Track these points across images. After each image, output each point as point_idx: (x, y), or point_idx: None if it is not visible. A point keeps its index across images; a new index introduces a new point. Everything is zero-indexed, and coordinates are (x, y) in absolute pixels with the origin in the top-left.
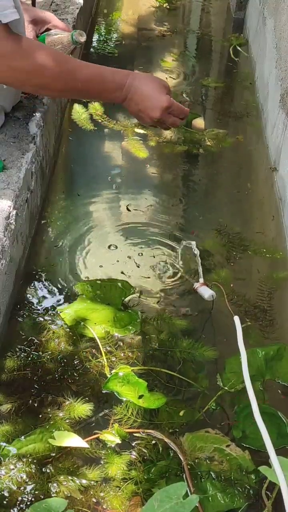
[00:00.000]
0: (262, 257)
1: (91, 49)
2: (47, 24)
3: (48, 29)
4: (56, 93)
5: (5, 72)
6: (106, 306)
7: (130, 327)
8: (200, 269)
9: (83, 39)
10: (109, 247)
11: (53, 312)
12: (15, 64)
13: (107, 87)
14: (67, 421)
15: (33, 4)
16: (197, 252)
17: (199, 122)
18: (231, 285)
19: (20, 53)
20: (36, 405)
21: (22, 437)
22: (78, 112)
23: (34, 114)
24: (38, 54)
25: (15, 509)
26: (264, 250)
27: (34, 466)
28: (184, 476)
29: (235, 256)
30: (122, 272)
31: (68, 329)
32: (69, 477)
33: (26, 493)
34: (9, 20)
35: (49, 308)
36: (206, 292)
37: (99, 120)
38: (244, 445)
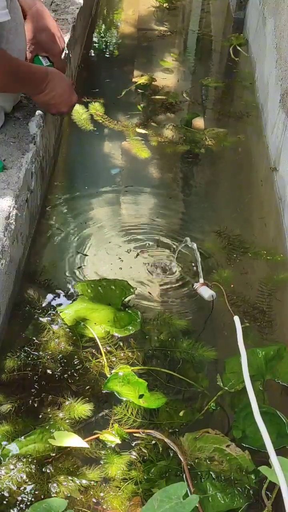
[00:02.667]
0: (263, 259)
1: (91, 49)
2: (44, 51)
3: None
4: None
5: None
6: (106, 306)
7: (130, 327)
8: (200, 269)
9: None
10: (109, 247)
11: (53, 312)
12: None
13: (35, 85)
14: (67, 421)
15: None
16: (197, 252)
17: (198, 122)
18: (231, 285)
19: None
20: (36, 405)
21: (22, 437)
22: (79, 112)
23: (34, 114)
24: None
25: (15, 509)
26: (265, 252)
27: (34, 466)
28: (184, 476)
29: (235, 258)
30: (122, 272)
31: (68, 329)
32: (69, 477)
33: (26, 493)
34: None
35: (49, 308)
36: (206, 292)
37: (100, 121)
38: (244, 445)
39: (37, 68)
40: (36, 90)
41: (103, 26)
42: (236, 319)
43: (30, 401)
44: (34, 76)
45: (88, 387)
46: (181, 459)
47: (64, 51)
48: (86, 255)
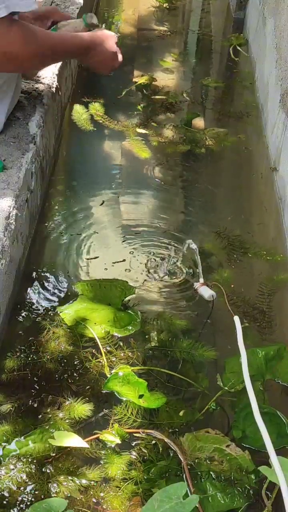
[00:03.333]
0: (262, 259)
1: None
2: (52, 18)
3: (54, 22)
4: (47, 63)
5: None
6: (106, 306)
7: (130, 327)
8: (200, 269)
9: (95, 21)
10: (109, 247)
11: (53, 312)
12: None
13: (76, 56)
14: (67, 421)
15: None
16: (197, 252)
17: (199, 122)
18: (231, 285)
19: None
20: (36, 405)
21: (22, 437)
22: (79, 112)
23: (34, 114)
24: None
25: (15, 509)
26: (264, 252)
27: (34, 466)
28: (184, 476)
29: (235, 258)
30: (122, 272)
31: (68, 329)
32: (69, 477)
33: (26, 493)
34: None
35: (49, 308)
36: (206, 292)
37: (100, 121)
38: (244, 445)
39: (79, 40)
40: (78, 59)
41: (103, 26)
42: (236, 319)
43: (30, 401)
44: (74, 50)
45: (88, 387)
46: (181, 459)
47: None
48: (96, 257)
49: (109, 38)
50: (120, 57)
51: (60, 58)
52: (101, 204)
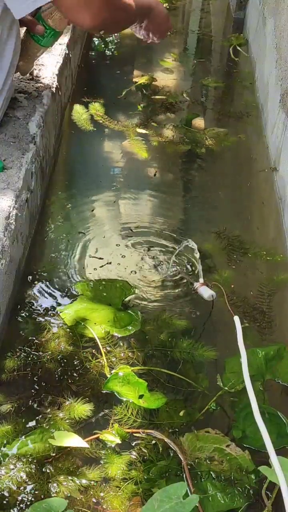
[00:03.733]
0: (263, 260)
1: (91, 49)
2: None
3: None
4: (126, 25)
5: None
6: (106, 306)
7: (130, 327)
8: (200, 269)
9: None
10: (109, 247)
11: (53, 312)
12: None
13: (143, 12)
14: (67, 421)
15: None
16: (197, 252)
17: (198, 122)
18: (231, 286)
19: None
20: (36, 405)
21: (22, 437)
22: (79, 112)
23: (34, 114)
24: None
25: (15, 509)
26: (264, 252)
27: (34, 466)
28: (184, 476)
29: (235, 259)
30: (122, 272)
31: (68, 329)
32: (69, 477)
33: (26, 493)
34: None
35: (49, 308)
36: (206, 292)
37: (100, 121)
38: (244, 445)
39: (141, 4)
40: (141, 21)
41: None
42: (236, 319)
43: (30, 401)
44: (139, 13)
45: (88, 387)
46: (181, 459)
47: None
48: (101, 258)
49: (160, 3)
50: (170, 21)
51: (131, 20)
52: (92, 210)
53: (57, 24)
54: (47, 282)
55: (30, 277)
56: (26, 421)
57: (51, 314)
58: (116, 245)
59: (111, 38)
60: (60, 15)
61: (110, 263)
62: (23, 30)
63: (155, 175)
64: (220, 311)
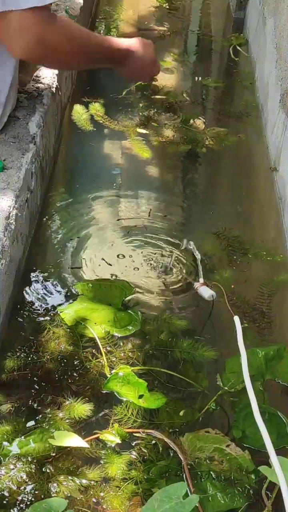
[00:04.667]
0: (263, 260)
1: None
2: None
3: None
4: (81, 65)
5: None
6: (106, 306)
7: (130, 327)
8: (200, 269)
9: (76, 12)
10: (109, 247)
11: (53, 312)
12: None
13: (113, 63)
14: (67, 421)
15: None
16: (197, 252)
17: (198, 122)
18: (232, 286)
19: (57, 31)
20: (36, 405)
21: (22, 437)
22: (79, 112)
23: (34, 114)
24: (71, 31)
25: (15, 509)
26: (264, 253)
27: (34, 466)
28: (184, 476)
29: (235, 259)
30: (122, 272)
31: (68, 329)
32: (69, 477)
33: (26, 493)
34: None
35: (49, 308)
36: (206, 292)
37: (100, 121)
38: (244, 445)
39: (118, 45)
40: (116, 65)
41: (103, 26)
42: (236, 319)
43: (30, 401)
44: (112, 56)
45: (88, 387)
46: (181, 459)
47: None
48: (86, 255)
49: (147, 45)
50: (159, 65)
51: (95, 61)
52: (92, 210)
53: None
54: (47, 282)
55: (30, 277)
56: (26, 421)
57: (51, 314)
58: (116, 245)
59: None
60: None
61: (110, 264)
62: None
63: (149, 214)
64: (220, 311)
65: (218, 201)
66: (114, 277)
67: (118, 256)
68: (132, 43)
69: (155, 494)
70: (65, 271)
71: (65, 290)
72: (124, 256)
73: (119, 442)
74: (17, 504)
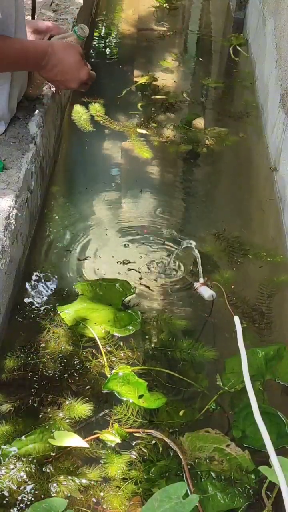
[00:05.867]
0: (263, 260)
1: (91, 49)
2: (50, 32)
3: (50, 37)
4: None
5: None
6: (106, 306)
7: (130, 327)
8: (200, 269)
9: (86, 32)
10: (109, 247)
11: (53, 312)
12: None
13: (31, 62)
14: (67, 421)
15: (33, 3)
16: (197, 252)
17: (199, 122)
18: (232, 286)
19: None
20: (36, 405)
21: (22, 437)
22: (79, 113)
23: (34, 114)
24: None
25: (15, 509)
26: (265, 253)
27: (34, 466)
28: (184, 476)
29: (236, 260)
30: (122, 272)
31: (68, 329)
32: (69, 477)
33: (26, 493)
34: None
35: (49, 308)
36: (206, 292)
37: (100, 121)
38: (244, 445)
39: (34, 45)
40: (35, 67)
41: (103, 26)
42: (236, 319)
43: (30, 401)
44: (27, 55)
45: (88, 387)
46: (181, 458)
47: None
48: (86, 256)
49: (70, 46)
50: (87, 69)
51: (11, 65)
52: (92, 210)
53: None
54: (47, 282)
55: (30, 277)
56: (26, 421)
57: (51, 314)
58: (116, 245)
59: (111, 38)
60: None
61: (109, 264)
62: None
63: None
64: (220, 311)
65: (218, 201)
66: (114, 277)
67: (118, 256)
68: (51, 45)
69: (155, 494)
70: (65, 271)
71: (65, 290)
72: (124, 259)
73: (119, 442)
74: (17, 504)
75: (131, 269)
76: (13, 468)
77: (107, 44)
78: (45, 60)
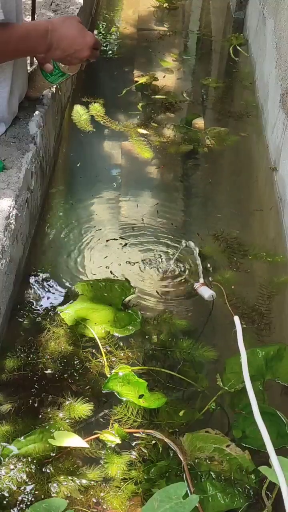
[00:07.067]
0: (263, 261)
1: None
2: None
3: None
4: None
5: None
6: (106, 306)
7: (130, 327)
8: (200, 269)
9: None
10: (109, 247)
11: (53, 312)
12: None
13: (36, 44)
14: (67, 421)
15: (33, 3)
16: (197, 252)
17: (199, 122)
18: (232, 286)
19: None
20: (36, 405)
21: (22, 437)
22: (79, 113)
23: (34, 114)
24: None
25: (15, 509)
26: (264, 253)
27: (34, 466)
28: (184, 476)
29: (236, 260)
30: (122, 272)
31: (68, 329)
32: (69, 477)
33: (26, 493)
34: None
35: (49, 308)
36: (206, 292)
37: (101, 121)
38: (244, 445)
39: (34, 26)
40: (41, 49)
41: (103, 26)
42: (236, 319)
43: (30, 401)
44: (30, 35)
45: (88, 387)
46: (181, 459)
47: None
48: (86, 256)
49: (69, 18)
50: (91, 33)
51: (18, 46)
52: (92, 210)
53: (66, 67)
54: (47, 282)
55: (30, 277)
56: (26, 421)
57: (51, 314)
58: (116, 244)
59: (111, 38)
60: None
61: (108, 267)
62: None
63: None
64: (220, 312)
65: (218, 201)
66: (114, 276)
67: (118, 256)
68: (50, 22)
69: (155, 494)
70: (65, 271)
71: (65, 290)
72: (124, 259)
73: (119, 442)
74: (17, 504)
75: (131, 269)
76: (13, 469)
77: (107, 44)
78: (48, 38)
